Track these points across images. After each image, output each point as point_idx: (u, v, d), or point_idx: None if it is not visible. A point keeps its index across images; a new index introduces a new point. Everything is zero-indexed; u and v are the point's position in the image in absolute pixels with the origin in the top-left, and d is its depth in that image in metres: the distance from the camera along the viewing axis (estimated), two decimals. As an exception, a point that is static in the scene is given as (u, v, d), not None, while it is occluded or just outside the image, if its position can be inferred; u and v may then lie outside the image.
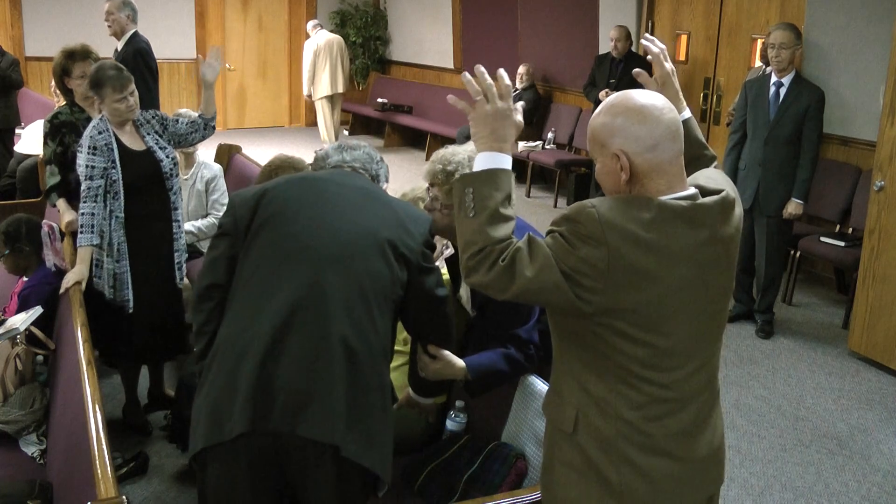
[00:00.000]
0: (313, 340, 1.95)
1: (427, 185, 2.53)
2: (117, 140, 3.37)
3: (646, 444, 1.68)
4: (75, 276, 3.31)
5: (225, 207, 2.73)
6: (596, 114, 1.72)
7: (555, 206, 8.07)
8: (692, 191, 1.69)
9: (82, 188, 3.33)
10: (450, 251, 2.74)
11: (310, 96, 9.78)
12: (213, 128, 3.72)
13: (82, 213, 3.32)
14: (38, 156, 5.21)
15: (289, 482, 2.02)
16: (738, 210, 1.77)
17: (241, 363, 1.94)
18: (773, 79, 4.77)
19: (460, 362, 2.36)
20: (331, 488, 1.98)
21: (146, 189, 3.41)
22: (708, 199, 1.69)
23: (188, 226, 4.53)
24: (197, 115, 3.69)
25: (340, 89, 9.64)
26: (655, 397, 1.67)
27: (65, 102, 4.02)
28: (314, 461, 1.95)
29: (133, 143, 3.43)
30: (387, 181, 2.40)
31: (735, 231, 1.74)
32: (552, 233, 1.66)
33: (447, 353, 2.35)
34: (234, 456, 1.95)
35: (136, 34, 5.22)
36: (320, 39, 9.57)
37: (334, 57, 9.55)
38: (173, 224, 3.52)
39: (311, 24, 9.89)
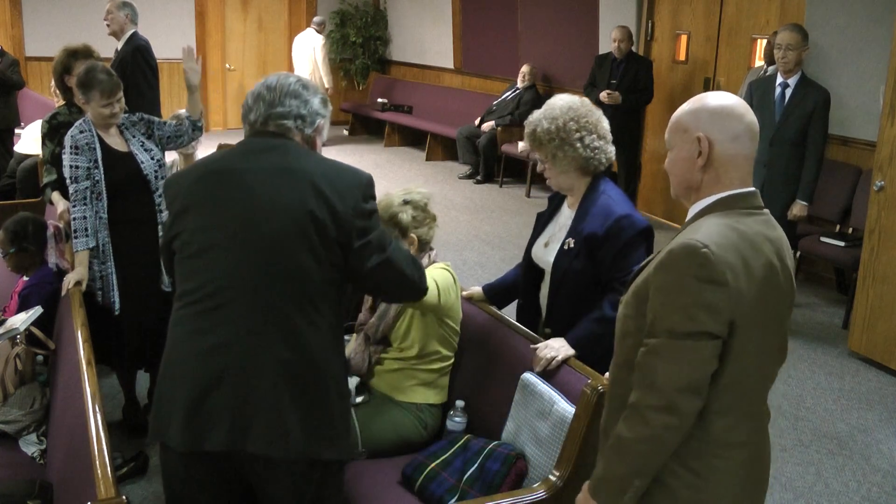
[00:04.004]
0: (250, 361, 1.95)
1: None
2: (101, 141, 3.35)
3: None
4: (75, 277, 3.31)
5: None
6: (682, 107, 1.79)
7: (555, 206, 8.07)
8: (753, 188, 1.75)
9: (70, 192, 3.32)
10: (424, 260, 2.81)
11: None
12: (201, 129, 3.69)
13: (74, 218, 3.31)
14: (37, 156, 5.20)
15: (247, 486, 2.09)
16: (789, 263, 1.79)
17: (181, 383, 1.98)
18: (779, 79, 4.77)
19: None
20: (289, 493, 2.03)
21: (130, 192, 3.39)
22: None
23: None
24: (185, 114, 3.67)
25: None
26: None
27: (64, 103, 4.02)
28: (268, 473, 2.01)
29: (117, 144, 3.41)
30: (323, 117, 2.16)
31: (789, 271, 1.76)
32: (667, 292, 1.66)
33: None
34: (185, 459, 2.02)
35: (135, 34, 5.23)
36: (300, 39, 10.04)
37: (302, 56, 9.93)
38: (158, 227, 3.49)
39: (315, 18, 10.36)
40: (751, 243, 1.66)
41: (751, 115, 1.73)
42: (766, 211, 1.76)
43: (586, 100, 2.68)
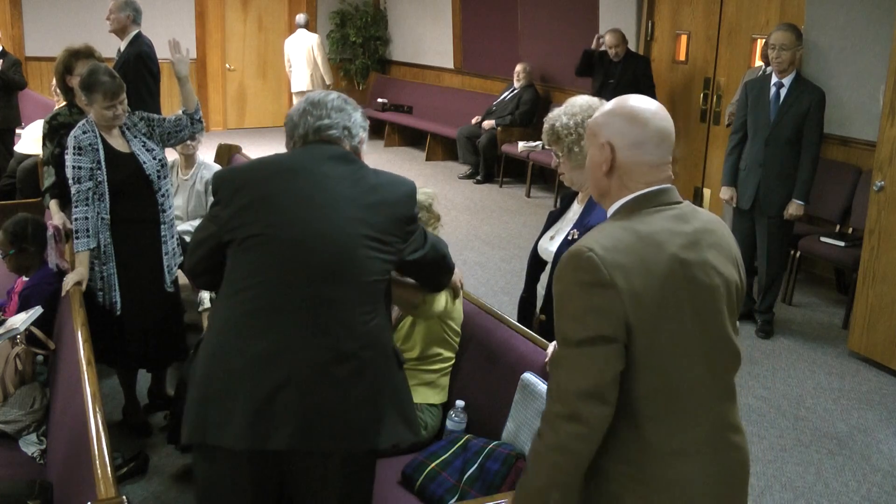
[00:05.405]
0: (316, 359, 1.97)
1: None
2: (103, 141, 3.35)
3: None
4: (75, 277, 3.31)
5: None
6: (597, 110, 1.79)
7: (554, 206, 8.06)
8: (664, 185, 1.71)
9: (72, 192, 3.32)
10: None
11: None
12: (201, 121, 3.67)
13: (76, 219, 3.31)
14: (38, 156, 5.21)
15: (288, 486, 2.08)
16: (733, 253, 1.75)
17: (241, 382, 1.97)
18: (774, 79, 4.77)
19: None
20: (347, 483, 2.06)
21: (132, 192, 3.39)
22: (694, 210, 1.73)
23: (187, 226, 4.53)
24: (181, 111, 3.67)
25: (305, 87, 9.79)
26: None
27: (65, 103, 4.02)
28: (324, 466, 2.02)
29: (120, 145, 3.41)
30: (364, 130, 2.27)
31: (711, 264, 1.69)
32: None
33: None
34: (235, 459, 2.00)
35: (139, 36, 5.22)
36: (293, 40, 9.90)
37: (299, 57, 9.81)
38: (161, 226, 3.49)
39: (298, 18, 10.13)
40: (651, 241, 1.61)
41: (658, 122, 1.69)
42: (683, 204, 1.71)
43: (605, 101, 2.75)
